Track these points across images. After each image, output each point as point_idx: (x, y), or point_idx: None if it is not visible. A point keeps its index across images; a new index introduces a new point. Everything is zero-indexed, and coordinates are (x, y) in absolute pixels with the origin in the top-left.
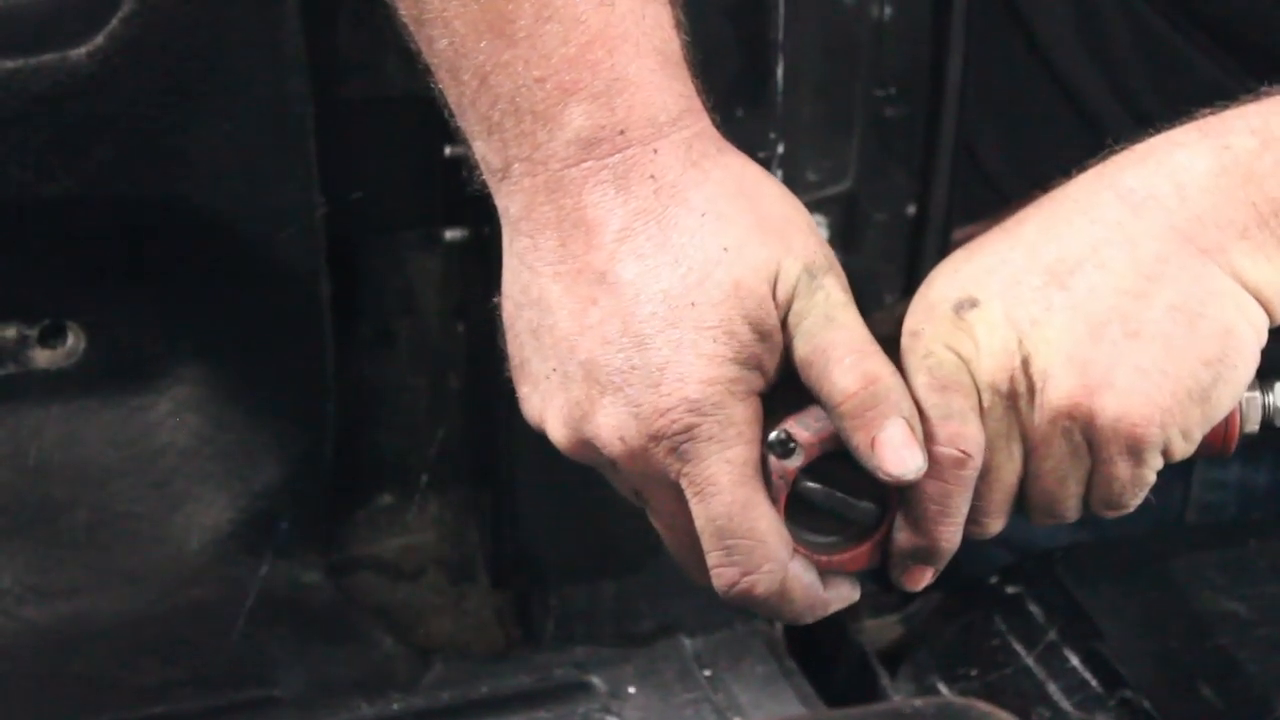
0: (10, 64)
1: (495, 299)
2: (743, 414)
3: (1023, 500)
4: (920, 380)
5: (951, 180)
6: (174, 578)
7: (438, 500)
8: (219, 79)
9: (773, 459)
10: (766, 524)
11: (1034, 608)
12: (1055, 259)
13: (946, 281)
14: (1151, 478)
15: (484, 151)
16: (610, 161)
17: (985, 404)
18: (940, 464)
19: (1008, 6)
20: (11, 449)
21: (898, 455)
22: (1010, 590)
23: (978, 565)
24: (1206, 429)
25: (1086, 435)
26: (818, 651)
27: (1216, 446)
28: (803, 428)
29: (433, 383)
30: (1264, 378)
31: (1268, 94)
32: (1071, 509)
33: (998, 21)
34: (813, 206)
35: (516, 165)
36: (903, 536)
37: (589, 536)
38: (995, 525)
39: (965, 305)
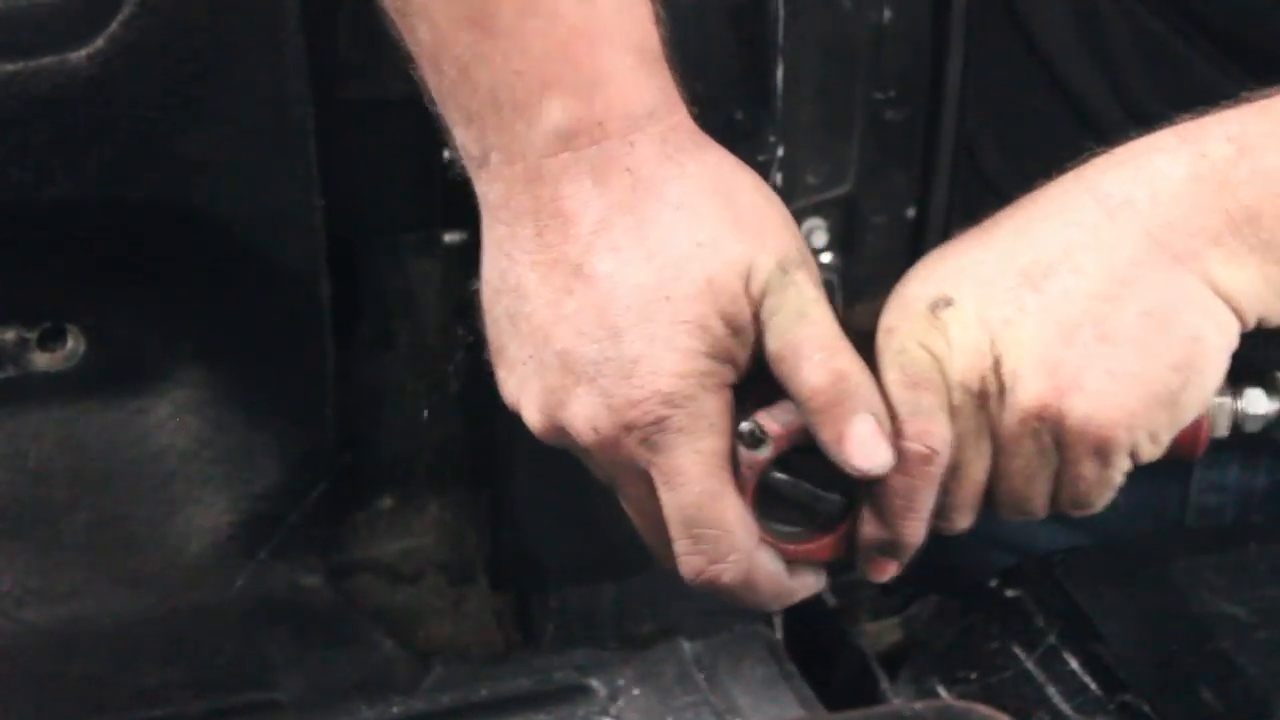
0: (10, 67)
1: (475, 284)
2: (714, 406)
3: (991, 497)
4: (892, 376)
5: (951, 183)
6: (173, 580)
7: (437, 503)
8: (219, 81)
9: (742, 450)
10: (734, 515)
11: (1034, 611)
12: (1030, 261)
13: (922, 280)
14: (1119, 479)
15: (463, 140)
16: (588, 154)
17: (956, 402)
18: (907, 460)
19: (1007, 9)
20: (11, 451)
21: (865, 450)
22: (1010, 593)
23: (977, 568)
24: (1174, 432)
25: (1055, 436)
26: (817, 654)
27: (1185, 449)
28: (773, 420)
29: (432, 385)
30: (1235, 382)
31: (1248, 99)
32: (1039, 507)
33: (997, 24)
34: (812, 209)
35: (495, 155)
36: (869, 529)
37: (589, 539)
38: (963, 521)
39: (940, 304)
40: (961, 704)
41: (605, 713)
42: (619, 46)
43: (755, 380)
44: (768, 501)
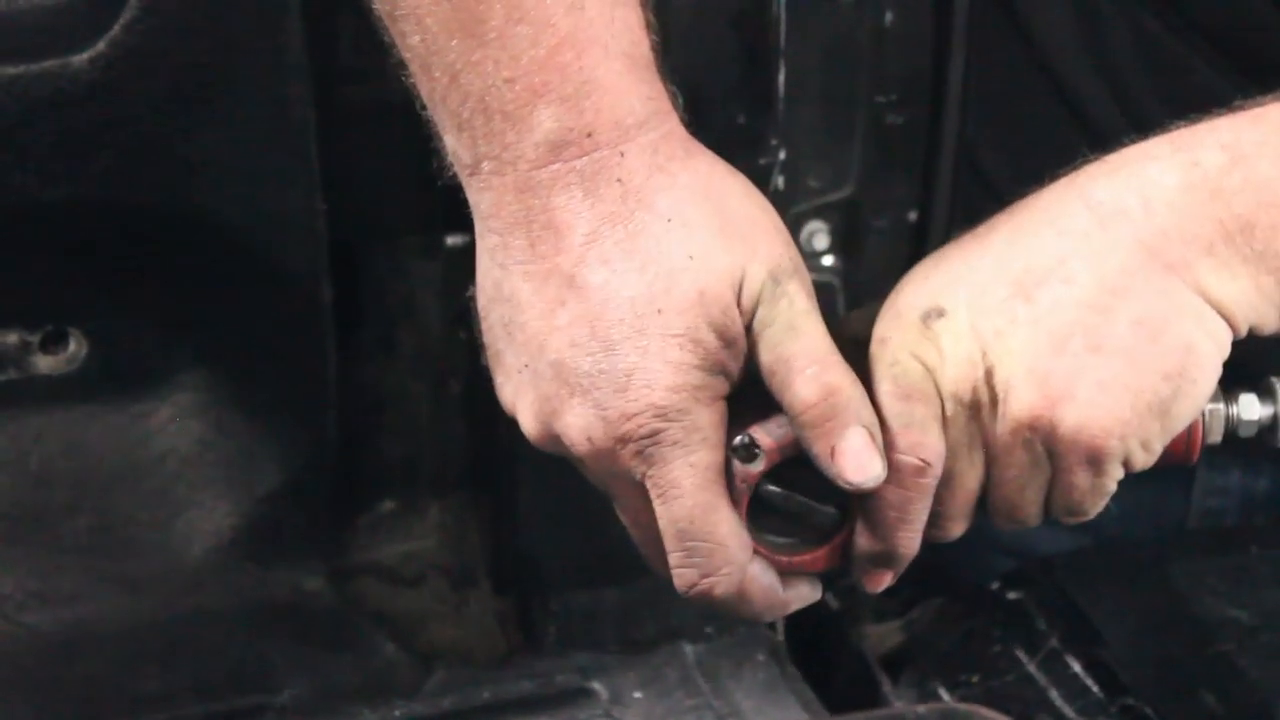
0: (12, 70)
1: (472, 290)
2: (707, 419)
3: (984, 505)
4: (885, 388)
5: (953, 186)
6: (175, 584)
7: (439, 506)
8: (221, 85)
9: (736, 463)
10: (727, 528)
11: (1035, 614)
12: (1022, 270)
13: (915, 290)
14: (1112, 486)
15: (454, 146)
16: (578, 165)
17: (948, 413)
18: (900, 472)
19: (1008, 13)
20: (13, 455)
21: (857, 463)
22: (1012, 596)
23: (979, 571)
24: (1167, 440)
25: (1047, 446)
26: (819, 657)
27: (1179, 456)
28: (766, 433)
29: (434, 389)
30: (1228, 389)
31: (1241, 107)
32: (1032, 515)
33: (998, 27)
34: (814, 212)
35: (486, 163)
36: (863, 541)
37: (591, 542)
38: (956, 530)
39: (932, 315)
40: (963, 707)
41: (607, 716)
42: (609, 55)
43: (749, 390)
44: (761, 513)
